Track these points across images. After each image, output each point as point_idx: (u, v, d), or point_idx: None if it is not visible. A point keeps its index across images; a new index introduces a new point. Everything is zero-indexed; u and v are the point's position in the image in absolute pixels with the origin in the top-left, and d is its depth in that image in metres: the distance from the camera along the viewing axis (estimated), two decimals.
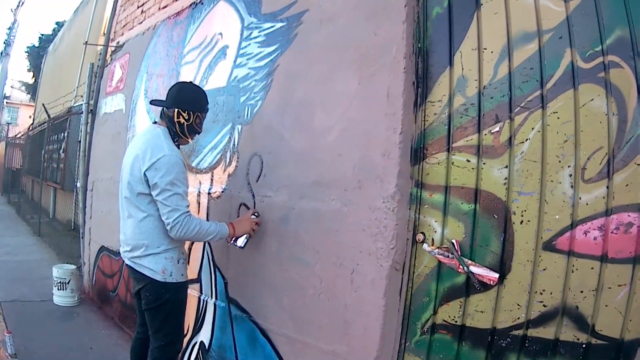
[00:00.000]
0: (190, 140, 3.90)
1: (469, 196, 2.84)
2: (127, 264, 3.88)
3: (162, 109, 3.84)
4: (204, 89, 4.20)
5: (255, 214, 3.93)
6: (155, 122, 3.91)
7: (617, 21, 2.41)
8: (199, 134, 3.99)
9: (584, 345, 2.43)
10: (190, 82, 3.90)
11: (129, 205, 3.73)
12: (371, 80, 3.23)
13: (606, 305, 2.37)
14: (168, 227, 3.55)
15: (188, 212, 3.59)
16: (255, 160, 4.11)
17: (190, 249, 4.92)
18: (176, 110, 3.73)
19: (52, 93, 16.82)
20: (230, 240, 3.91)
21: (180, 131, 3.78)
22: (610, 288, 2.35)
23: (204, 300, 4.69)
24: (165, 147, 3.60)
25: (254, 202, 4.08)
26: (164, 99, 3.86)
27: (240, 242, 3.90)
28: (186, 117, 3.74)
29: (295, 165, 3.72)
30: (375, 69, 3.21)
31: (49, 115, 14.19)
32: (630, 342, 2.32)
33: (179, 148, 3.81)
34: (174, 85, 3.92)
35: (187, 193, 3.63)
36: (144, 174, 3.54)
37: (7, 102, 31.75)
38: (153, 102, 3.93)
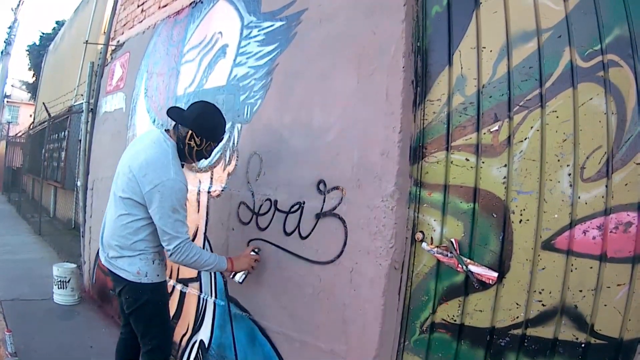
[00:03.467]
0: (195, 163, 3.90)
1: (468, 195, 2.85)
2: (103, 264, 3.87)
3: (174, 125, 3.77)
4: (204, 87, 4.19)
5: (256, 250, 3.91)
6: (167, 130, 3.80)
7: (616, 20, 2.40)
8: (206, 159, 3.97)
9: (583, 345, 2.43)
10: (214, 106, 3.77)
11: (116, 205, 3.70)
12: (370, 79, 3.23)
13: (605, 305, 2.37)
14: (168, 253, 3.54)
15: (188, 238, 3.56)
16: (254, 159, 4.12)
17: None
18: (190, 132, 3.63)
19: (53, 92, 16.81)
20: (229, 275, 3.90)
21: (188, 153, 3.70)
22: (609, 287, 2.35)
23: (203, 298, 4.69)
24: (172, 169, 3.53)
25: (254, 201, 4.08)
26: (184, 107, 3.79)
27: (238, 277, 3.88)
28: (198, 143, 3.65)
29: (295, 164, 3.73)
30: (374, 68, 3.21)
31: (49, 114, 14.18)
32: (629, 342, 2.32)
33: (183, 167, 3.76)
34: (197, 103, 3.83)
35: (186, 217, 3.60)
36: (142, 186, 3.50)
37: (7, 101, 31.78)
38: (170, 115, 3.74)
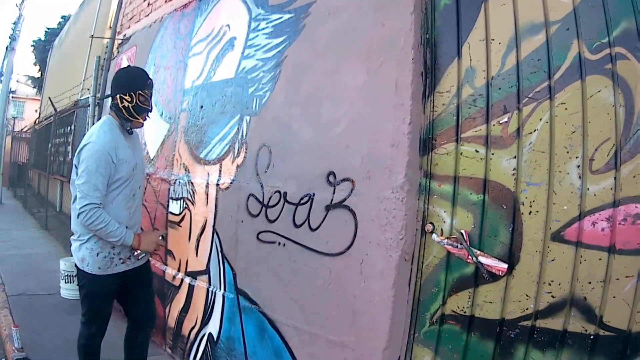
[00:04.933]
0: (142, 120, 3.98)
1: (477, 187, 2.85)
2: None
3: (111, 100, 3.96)
4: (212, 80, 4.21)
5: (163, 235, 4.09)
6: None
7: (624, 13, 2.40)
8: (150, 111, 4.06)
9: (592, 337, 2.43)
10: (128, 65, 4.03)
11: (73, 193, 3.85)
12: (379, 71, 3.23)
13: (614, 297, 2.37)
14: (77, 213, 3.65)
15: (99, 204, 3.64)
16: (263, 151, 4.12)
17: (198, 241, 4.94)
18: (118, 96, 3.85)
19: (59, 87, 16.80)
20: (132, 251, 3.95)
21: (128, 114, 3.88)
22: (617, 279, 2.35)
23: (212, 291, 4.70)
24: (95, 135, 3.73)
25: (263, 193, 4.08)
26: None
27: (137, 253, 3.97)
28: (128, 100, 3.84)
29: (304, 156, 3.74)
30: (384, 60, 3.21)
31: (55, 109, 14.19)
32: (637, 334, 2.32)
33: (131, 133, 4.02)
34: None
35: (103, 185, 3.70)
36: (74, 160, 3.72)
37: (12, 97, 31.78)
38: (105, 96, 4.00)
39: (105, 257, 3.83)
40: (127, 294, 4.14)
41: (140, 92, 3.87)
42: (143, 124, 4.02)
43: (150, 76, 4.04)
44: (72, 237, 3.92)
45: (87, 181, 3.59)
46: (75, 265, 3.91)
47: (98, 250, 3.80)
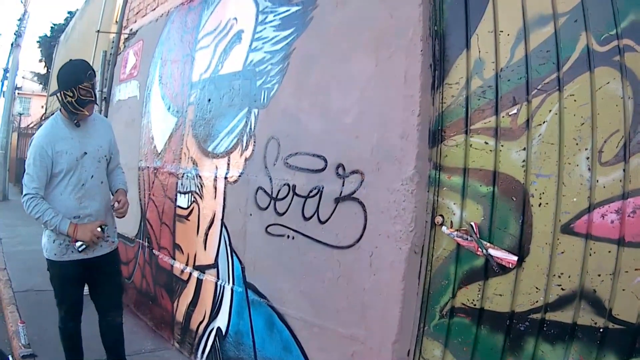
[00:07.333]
0: (87, 112, 4.07)
1: (487, 178, 2.85)
2: None
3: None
4: (220, 73, 4.22)
5: (102, 227, 4.10)
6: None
7: (631, 5, 2.39)
8: (95, 103, 4.16)
9: (601, 330, 2.42)
10: (69, 60, 4.19)
11: None
12: (388, 62, 3.23)
13: (623, 290, 2.36)
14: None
15: (34, 195, 3.87)
16: (272, 143, 4.12)
17: (206, 234, 4.95)
18: (61, 92, 3.96)
19: None
20: (71, 241, 4.03)
21: (72, 107, 3.97)
22: (627, 272, 2.34)
23: (221, 285, 4.71)
24: (39, 131, 4.04)
25: (272, 186, 4.09)
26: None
27: (78, 245, 4.03)
28: (71, 95, 3.92)
29: (313, 148, 3.73)
30: (392, 51, 3.21)
31: None
32: None
33: (78, 125, 4.11)
34: None
35: (40, 177, 3.91)
36: None
37: (18, 93, 31.79)
38: (51, 94, 4.16)
39: (60, 245, 4.05)
40: (92, 283, 4.34)
41: (80, 86, 3.94)
42: (89, 114, 4.12)
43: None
44: None
45: (27, 173, 3.89)
46: None
47: (54, 237, 4.03)
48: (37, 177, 3.86)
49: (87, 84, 4.00)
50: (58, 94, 3.99)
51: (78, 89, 3.91)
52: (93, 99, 4.06)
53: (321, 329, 3.57)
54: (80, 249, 4.01)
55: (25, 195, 3.86)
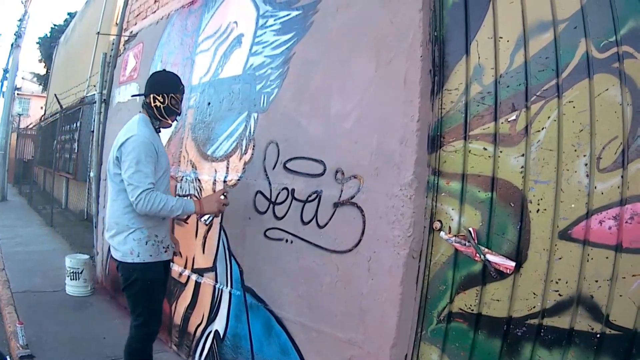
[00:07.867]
0: (170, 121, 4.08)
1: (485, 184, 2.86)
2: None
3: (143, 99, 4.08)
4: (219, 77, 4.23)
5: (225, 194, 4.07)
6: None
7: (630, 12, 2.41)
8: (179, 114, 4.15)
9: (598, 335, 2.44)
10: (163, 69, 4.25)
11: (112, 186, 3.93)
12: (388, 67, 3.24)
13: (620, 295, 2.37)
14: (134, 205, 3.69)
15: (150, 188, 3.69)
16: (271, 147, 4.13)
17: (205, 238, 4.95)
18: (151, 95, 3.97)
19: (64, 83, 16.86)
20: (198, 217, 4.11)
21: (159, 114, 3.98)
22: (624, 278, 2.36)
23: (219, 289, 4.71)
24: (136, 129, 3.81)
25: (271, 190, 4.09)
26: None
27: (205, 218, 4.07)
28: (161, 100, 3.95)
29: (312, 152, 3.74)
30: (392, 57, 3.22)
31: (61, 106, 14.23)
32: None
33: (159, 132, 4.09)
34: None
35: (152, 173, 3.76)
36: (116, 154, 3.77)
37: (18, 94, 31.80)
38: (134, 95, 4.34)
39: (153, 245, 3.91)
40: None
41: (172, 95, 4.00)
42: (171, 124, 4.14)
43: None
44: (112, 232, 3.92)
45: (137, 170, 3.66)
46: (119, 262, 3.91)
47: (146, 238, 3.87)
48: (150, 173, 3.73)
49: (179, 95, 4.07)
50: (146, 97, 4.00)
51: (170, 97, 3.98)
52: (179, 112, 4.11)
53: (319, 333, 3.57)
54: (207, 222, 4.11)
55: (142, 192, 3.64)
